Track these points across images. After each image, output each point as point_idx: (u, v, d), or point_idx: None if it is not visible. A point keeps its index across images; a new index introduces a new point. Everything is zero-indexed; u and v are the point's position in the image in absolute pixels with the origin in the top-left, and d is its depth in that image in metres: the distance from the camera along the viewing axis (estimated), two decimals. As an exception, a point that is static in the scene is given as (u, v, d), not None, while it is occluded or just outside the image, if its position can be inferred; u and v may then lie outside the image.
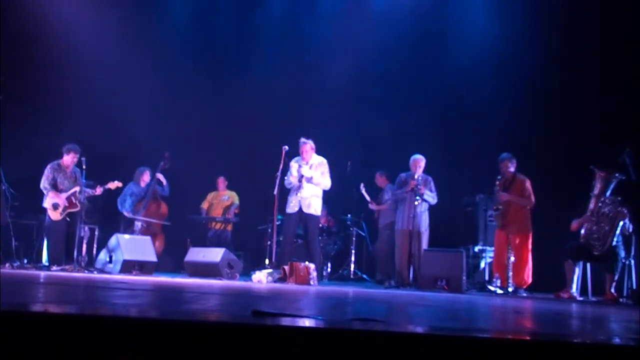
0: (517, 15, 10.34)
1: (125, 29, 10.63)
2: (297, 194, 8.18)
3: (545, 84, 9.96)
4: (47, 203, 8.55)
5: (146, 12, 11.21)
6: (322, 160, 8.41)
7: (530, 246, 7.95)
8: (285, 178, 8.36)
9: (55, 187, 8.55)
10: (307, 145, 8.28)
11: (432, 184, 8.53)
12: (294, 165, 8.31)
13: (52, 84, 10.46)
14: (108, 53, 10.56)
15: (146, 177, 9.73)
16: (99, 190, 8.71)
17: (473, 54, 10.59)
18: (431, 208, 8.55)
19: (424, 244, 8.39)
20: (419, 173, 8.44)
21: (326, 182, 8.33)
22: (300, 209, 8.17)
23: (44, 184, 8.54)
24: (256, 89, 11.22)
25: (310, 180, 8.21)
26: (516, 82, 10.06)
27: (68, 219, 8.54)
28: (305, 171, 8.27)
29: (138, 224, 9.32)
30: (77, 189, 8.54)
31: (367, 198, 9.79)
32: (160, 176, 9.59)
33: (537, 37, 10.05)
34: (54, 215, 8.51)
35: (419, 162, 8.50)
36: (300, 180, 8.17)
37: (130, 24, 10.73)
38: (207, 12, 11.75)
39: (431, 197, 8.46)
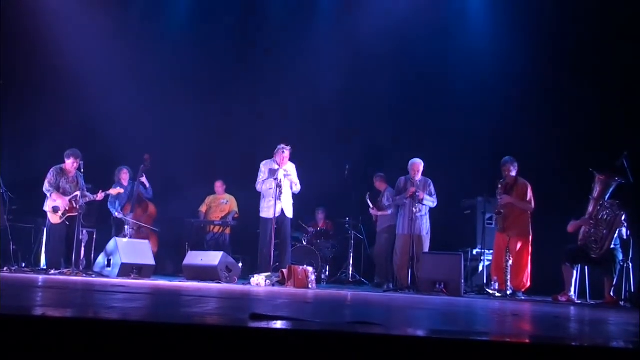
0: (517, 18, 10.35)
1: (121, 31, 10.65)
2: (279, 198, 8.29)
3: (544, 87, 9.97)
4: (47, 206, 8.56)
5: (141, 15, 11.21)
6: (294, 165, 8.65)
7: (530, 250, 7.96)
8: (261, 182, 8.52)
9: (59, 190, 8.56)
10: (287, 152, 8.48)
11: (431, 186, 8.53)
12: (276, 169, 8.44)
13: (50, 89, 10.45)
14: (105, 56, 10.55)
15: (124, 175, 9.71)
16: (100, 196, 8.73)
17: (472, 56, 10.59)
18: (430, 211, 8.55)
19: (426, 248, 8.39)
20: (418, 177, 8.44)
21: (299, 187, 8.62)
22: (283, 212, 8.37)
23: (47, 186, 8.55)
24: (254, 91, 11.24)
25: (292, 186, 8.47)
26: (515, 85, 10.06)
27: (67, 222, 8.54)
28: (294, 176, 8.52)
29: (127, 228, 9.30)
30: (78, 193, 8.55)
31: (371, 206, 9.80)
32: (143, 179, 9.56)
33: (536, 40, 10.05)
34: (54, 219, 8.52)
35: (418, 166, 8.49)
36: (279, 185, 8.29)
37: (125, 27, 10.77)
38: (204, 14, 11.74)
39: (431, 201, 8.45)
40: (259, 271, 8.06)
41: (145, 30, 11.07)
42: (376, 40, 10.73)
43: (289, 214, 8.52)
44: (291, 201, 8.58)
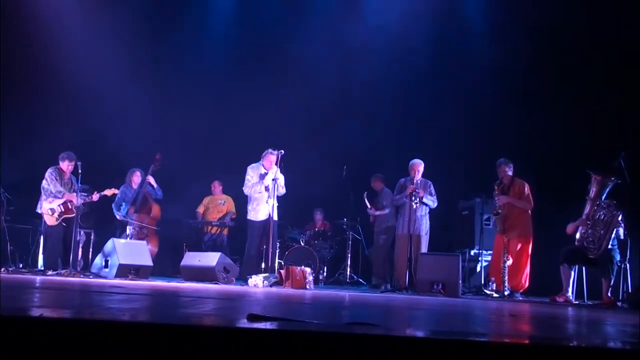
0: (513, 19, 10.36)
1: (120, 33, 10.65)
2: (267, 201, 8.43)
3: (541, 88, 9.98)
4: (43, 208, 8.53)
5: (142, 17, 11.21)
6: (278, 169, 8.74)
7: (530, 251, 7.97)
8: (250, 186, 8.62)
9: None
10: (274, 156, 8.59)
11: (432, 187, 8.54)
12: (265, 174, 8.55)
13: (49, 89, 10.45)
14: (102, 58, 10.55)
15: (136, 178, 9.71)
16: (95, 197, 8.71)
17: (469, 57, 10.61)
18: (429, 212, 8.56)
19: (424, 248, 8.40)
20: (417, 177, 8.45)
21: (284, 190, 8.75)
22: (270, 216, 8.46)
23: (58, 187, 8.51)
24: (252, 91, 11.23)
25: (278, 189, 8.59)
26: (512, 86, 10.08)
27: (64, 224, 8.52)
28: (281, 180, 8.63)
29: (130, 228, 9.29)
30: (74, 195, 8.55)
31: (368, 205, 9.82)
32: (150, 179, 9.54)
33: (533, 41, 10.07)
34: (50, 220, 8.50)
35: (418, 166, 8.50)
36: (268, 189, 8.43)
37: (124, 29, 10.75)
38: (203, 14, 11.75)
39: (431, 200, 8.47)
40: (245, 272, 8.11)
41: (144, 33, 11.07)
42: (375, 41, 10.75)
43: (275, 216, 8.65)
44: (276, 204, 8.67)
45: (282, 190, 8.69)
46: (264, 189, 8.50)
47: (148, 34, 11.17)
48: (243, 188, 8.74)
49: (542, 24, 9.98)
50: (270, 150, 8.59)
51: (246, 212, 8.90)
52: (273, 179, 8.50)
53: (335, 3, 11.39)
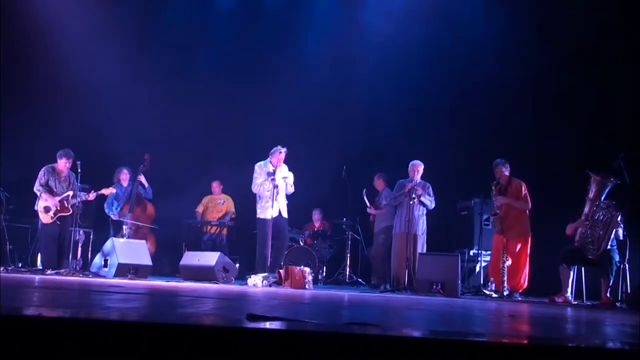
0: (511, 19, 10.35)
1: (119, 32, 10.64)
2: (275, 199, 8.36)
3: (540, 88, 9.99)
4: (39, 206, 8.53)
5: (140, 16, 11.20)
6: (286, 167, 8.71)
7: (528, 251, 7.97)
8: (258, 184, 8.56)
9: (49, 190, 8.55)
10: (284, 154, 8.56)
11: (430, 189, 8.55)
12: (273, 171, 8.48)
13: (49, 89, 10.43)
14: (102, 57, 10.52)
15: (124, 176, 9.69)
16: (92, 196, 8.70)
17: (467, 58, 10.61)
18: (428, 212, 8.57)
19: (421, 248, 8.40)
20: (417, 178, 8.45)
21: (293, 189, 8.72)
22: (280, 213, 8.46)
23: (37, 185, 8.53)
24: (252, 91, 11.22)
25: (287, 187, 8.56)
26: (511, 87, 10.08)
27: (59, 222, 8.51)
28: (290, 179, 8.60)
29: (125, 227, 9.28)
30: (70, 193, 8.54)
31: (367, 204, 9.82)
32: (141, 178, 9.53)
33: (531, 42, 10.07)
34: (45, 219, 8.50)
35: (418, 167, 8.51)
36: (276, 186, 8.36)
37: (124, 28, 10.76)
38: (201, 14, 11.73)
39: (428, 200, 8.47)
40: (257, 272, 8.08)
41: (143, 31, 11.06)
42: (375, 42, 10.73)
43: (285, 214, 8.60)
44: (286, 202, 8.63)
45: (291, 189, 8.66)
46: (273, 186, 8.41)
47: (147, 34, 11.16)
48: (252, 187, 8.67)
49: (541, 24, 9.98)
50: (279, 147, 8.51)
51: (250, 211, 8.87)
52: (283, 177, 8.50)
53: (336, 5, 11.38)
